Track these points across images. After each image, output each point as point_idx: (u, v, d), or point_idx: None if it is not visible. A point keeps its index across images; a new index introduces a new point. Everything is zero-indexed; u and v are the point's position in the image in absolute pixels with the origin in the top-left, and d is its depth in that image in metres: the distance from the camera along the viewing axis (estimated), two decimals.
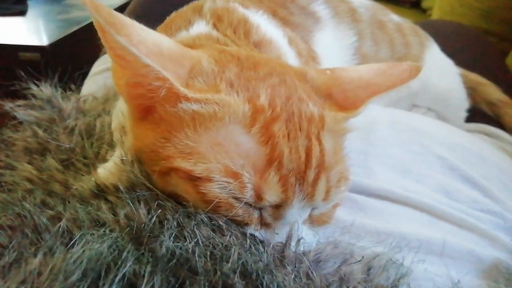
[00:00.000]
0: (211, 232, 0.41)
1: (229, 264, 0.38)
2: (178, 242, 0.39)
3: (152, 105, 0.46)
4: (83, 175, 0.54)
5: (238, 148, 0.43)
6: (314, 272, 0.41)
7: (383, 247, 0.50)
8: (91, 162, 0.56)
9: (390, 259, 0.48)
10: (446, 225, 0.57)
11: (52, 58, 1.86)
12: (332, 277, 0.44)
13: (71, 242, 0.41)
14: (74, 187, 0.50)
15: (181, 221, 0.42)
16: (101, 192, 0.49)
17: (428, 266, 0.49)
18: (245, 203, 0.43)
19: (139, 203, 0.45)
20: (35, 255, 0.40)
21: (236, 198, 0.43)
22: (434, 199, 0.60)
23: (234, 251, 0.39)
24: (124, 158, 0.49)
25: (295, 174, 0.43)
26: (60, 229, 0.43)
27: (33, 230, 0.44)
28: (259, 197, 0.43)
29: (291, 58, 0.65)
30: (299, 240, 0.45)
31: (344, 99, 0.51)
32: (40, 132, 0.64)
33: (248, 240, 0.41)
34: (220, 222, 0.42)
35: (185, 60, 0.46)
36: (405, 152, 0.67)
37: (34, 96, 0.72)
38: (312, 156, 0.45)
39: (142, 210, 0.43)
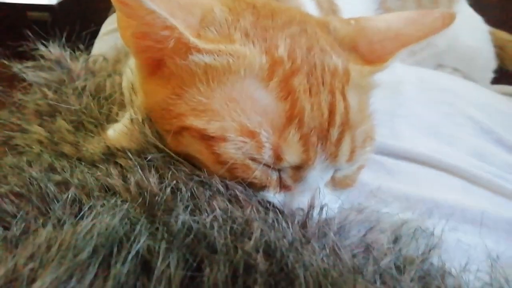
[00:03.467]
0: (229, 204, 0.37)
1: (252, 242, 0.34)
2: (195, 216, 0.36)
3: (162, 58, 0.42)
4: (92, 136, 0.51)
5: (255, 104, 0.39)
6: (340, 248, 0.37)
7: (411, 213, 0.46)
8: (100, 123, 0.53)
9: (420, 227, 0.44)
10: (481, 191, 0.53)
11: (61, 18, 1.81)
12: (356, 248, 0.40)
13: (81, 214, 0.38)
14: (84, 149, 0.47)
15: (195, 192, 0.38)
16: (110, 155, 0.46)
17: (461, 236, 0.45)
18: (263, 164, 0.39)
19: (150, 169, 0.42)
20: (43, 227, 0.37)
21: (253, 159, 0.39)
22: (467, 162, 0.55)
23: (257, 227, 0.35)
24: (134, 117, 0.46)
25: (317, 132, 0.39)
26: (68, 198, 0.40)
27: (41, 199, 0.41)
28: (278, 157, 0.39)
29: (311, 10, 0.60)
30: (322, 207, 0.41)
31: (371, 52, 0.46)
32: (50, 94, 0.62)
33: (270, 214, 0.38)
34: (237, 192, 0.39)
35: (196, 8, 0.41)
36: (434, 112, 0.62)
37: (42, 57, 0.70)
38: (336, 113, 0.40)
39: (153, 179, 0.40)
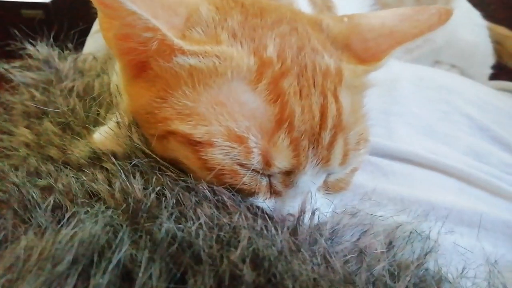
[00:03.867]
0: (215, 211, 0.36)
1: (238, 251, 0.33)
2: (180, 224, 0.35)
3: (146, 61, 0.40)
4: (79, 139, 0.50)
5: (243, 108, 0.37)
6: (332, 255, 0.36)
7: (406, 215, 0.45)
8: (84, 126, 0.52)
9: (415, 230, 0.43)
10: (478, 192, 0.52)
11: (55, 16, 1.78)
12: (349, 253, 0.39)
13: (63, 221, 0.37)
14: (70, 152, 0.46)
15: (180, 198, 0.37)
16: (97, 159, 0.45)
17: (457, 239, 0.44)
18: (252, 170, 0.38)
19: (134, 175, 0.40)
20: (25, 234, 0.36)
21: (241, 165, 0.38)
22: (463, 162, 0.54)
23: (244, 235, 0.34)
24: (120, 121, 0.45)
25: (308, 136, 0.38)
26: (51, 205, 0.39)
27: (23, 205, 0.40)
28: (267, 163, 0.37)
29: (304, 7, 0.58)
30: (313, 212, 0.40)
31: (364, 50, 0.45)
32: (37, 94, 0.61)
33: (259, 221, 0.36)
34: (225, 198, 0.37)
35: (181, 7, 0.40)
36: (430, 111, 0.61)
37: (30, 56, 0.69)
38: (328, 116, 0.39)
39: (138, 185, 0.38)
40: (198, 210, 0.37)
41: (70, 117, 0.54)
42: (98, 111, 0.55)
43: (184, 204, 0.38)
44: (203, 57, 0.37)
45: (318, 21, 0.46)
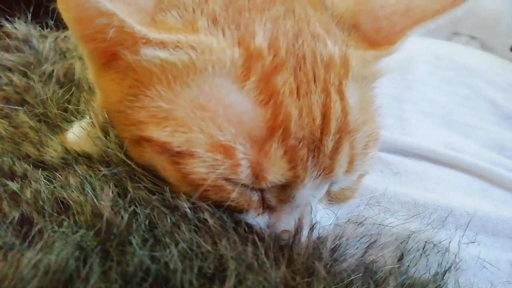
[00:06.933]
0: (196, 234, 0.30)
1: None
2: (154, 252, 0.29)
3: (112, 50, 0.33)
4: (52, 138, 0.44)
5: (228, 111, 0.31)
6: (332, 284, 0.30)
7: (420, 222, 0.39)
8: (62, 119, 0.47)
9: (431, 240, 0.37)
10: (503, 194, 0.46)
11: None
12: (354, 272, 0.34)
13: (28, 239, 0.32)
14: (44, 151, 0.41)
15: (155, 217, 0.31)
16: (70, 160, 0.40)
17: (481, 251, 0.38)
18: (241, 185, 0.32)
19: (108, 184, 0.36)
20: None
21: (227, 180, 0.32)
22: (486, 158, 0.47)
23: (231, 269, 0.28)
24: (93, 119, 0.39)
25: (307, 143, 0.32)
26: (16, 219, 0.34)
27: None
28: (258, 177, 0.31)
29: None
30: (312, 228, 0.34)
31: (376, 31, 0.38)
32: (15, 79, 0.56)
33: (249, 248, 0.31)
34: (207, 216, 0.31)
35: None
36: (449, 96, 0.54)
37: (8, 35, 0.63)
38: (331, 118, 0.32)
39: (107, 202, 0.33)
40: (176, 234, 0.31)
41: (49, 107, 0.50)
42: (78, 99, 0.51)
43: (158, 226, 0.32)
44: (174, 49, 0.30)
45: None
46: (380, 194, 0.43)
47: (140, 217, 0.32)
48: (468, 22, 0.85)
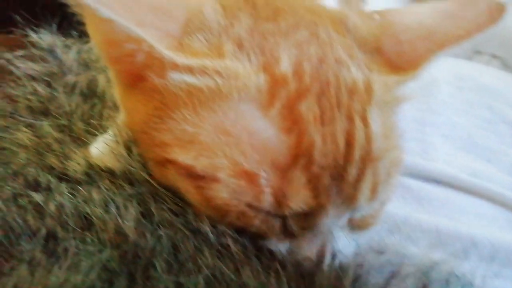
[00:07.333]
0: (219, 261, 0.30)
1: None
2: (179, 276, 0.29)
3: (139, 72, 0.34)
4: (75, 152, 0.44)
5: (252, 138, 0.31)
6: None
7: (442, 252, 0.38)
8: (86, 131, 0.47)
9: (454, 272, 0.36)
10: None
11: None
12: None
13: (55, 255, 0.32)
14: (66, 164, 0.41)
15: (178, 240, 0.31)
16: (94, 175, 0.40)
17: (505, 286, 0.37)
18: (263, 211, 0.31)
19: (132, 202, 0.35)
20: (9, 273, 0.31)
21: (250, 206, 0.31)
22: (510, 185, 0.46)
23: None
24: (117, 137, 0.39)
25: (330, 172, 0.31)
26: (41, 234, 0.34)
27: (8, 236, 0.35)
28: (280, 204, 0.31)
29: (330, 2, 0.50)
30: (334, 256, 0.34)
31: (399, 55, 0.37)
32: (40, 89, 0.56)
33: (271, 277, 0.30)
34: (230, 242, 0.31)
35: (178, 9, 0.33)
36: (472, 119, 0.53)
37: (33, 45, 0.63)
38: (355, 145, 0.32)
39: (131, 222, 0.33)
40: (199, 259, 0.31)
41: (72, 119, 0.50)
42: (101, 111, 0.51)
43: (181, 250, 0.32)
44: (201, 75, 0.30)
45: (343, 19, 0.38)
46: (401, 220, 0.42)
47: (163, 239, 0.32)
48: (490, 40, 0.84)
